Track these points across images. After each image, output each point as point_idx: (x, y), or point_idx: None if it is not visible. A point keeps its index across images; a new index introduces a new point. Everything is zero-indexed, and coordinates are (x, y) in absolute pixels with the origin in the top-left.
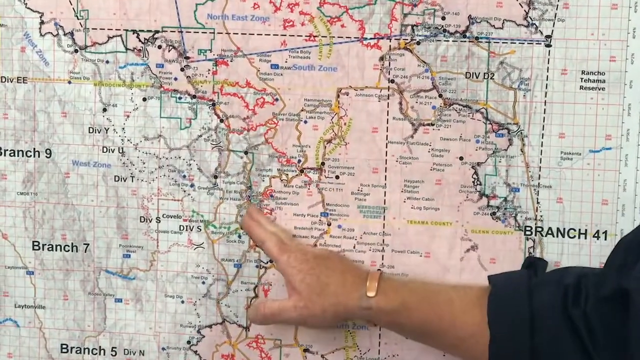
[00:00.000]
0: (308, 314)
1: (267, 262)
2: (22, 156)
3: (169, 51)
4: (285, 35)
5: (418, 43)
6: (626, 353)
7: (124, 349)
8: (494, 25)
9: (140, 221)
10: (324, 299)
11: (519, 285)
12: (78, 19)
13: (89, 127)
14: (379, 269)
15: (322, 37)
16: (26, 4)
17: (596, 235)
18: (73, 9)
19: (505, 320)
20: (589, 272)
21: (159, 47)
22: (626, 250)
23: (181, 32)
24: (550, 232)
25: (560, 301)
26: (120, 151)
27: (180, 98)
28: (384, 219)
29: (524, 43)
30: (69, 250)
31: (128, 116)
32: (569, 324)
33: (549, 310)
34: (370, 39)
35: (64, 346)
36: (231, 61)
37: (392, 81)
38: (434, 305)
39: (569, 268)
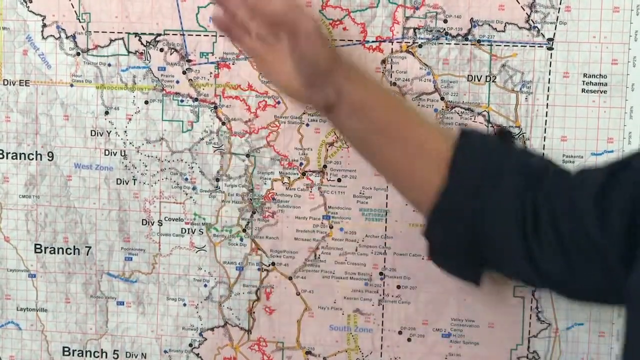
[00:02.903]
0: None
1: (269, 265)
2: (25, 159)
3: (170, 54)
4: None
5: (420, 46)
6: (563, 264)
7: (126, 352)
8: (495, 28)
9: (142, 224)
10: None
11: (491, 143)
12: (80, 22)
13: (91, 130)
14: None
15: None
16: (28, 7)
17: None
18: (75, 12)
19: (470, 156)
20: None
21: (161, 50)
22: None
23: (183, 35)
24: None
25: (523, 180)
26: (122, 154)
27: (182, 101)
28: (386, 222)
29: (525, 46)
30: (71, 253)
31: (130, 119)
32: (520, 201)
33: (509, 171)
34: (372, 42)
35: (65, 349)
36: (233, 64)
37: (394, 84)
38: (400, 109)
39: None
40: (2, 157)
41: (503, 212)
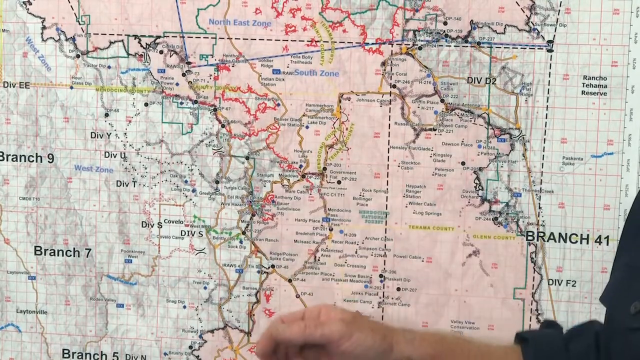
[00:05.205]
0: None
1: (269, 267)
2: (25, 161)
3: (170, 56)
4: (287, 40)
5: (420, 48)
6: None
7: (126, 354)
8: (495, 31)
9: (142, 226)
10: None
11: (554, 337)
12: (80, 24)
13: (91, 132)
14: None
15: (324, 42)
16: (28, 9)
17: (598, 240)
18: (74, 14)
19: None
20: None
21: (161, 52)
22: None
23: (183, 37)
24: (552, 237)
25: (593, 347)
26: (122, 156)
27: (181, 103)
28: (386, 224)
29: (525, 48)
30: (70, 255)
31: (130, 121)
32: None
33: (585, 356)
34: (372, 44)
35: (65, 351)
36: (233, 66)
37: (394, 86)
38: (470, 347)
39: (593, 321)
40: (2, 159)
41: None
